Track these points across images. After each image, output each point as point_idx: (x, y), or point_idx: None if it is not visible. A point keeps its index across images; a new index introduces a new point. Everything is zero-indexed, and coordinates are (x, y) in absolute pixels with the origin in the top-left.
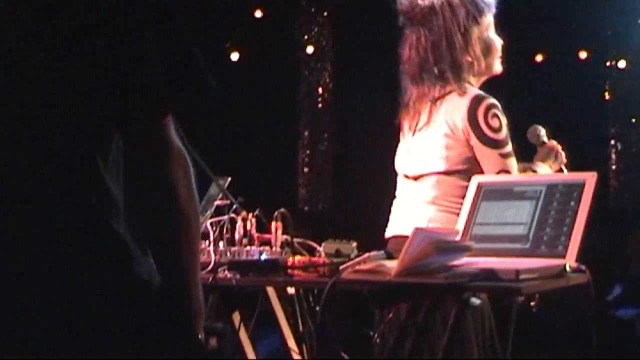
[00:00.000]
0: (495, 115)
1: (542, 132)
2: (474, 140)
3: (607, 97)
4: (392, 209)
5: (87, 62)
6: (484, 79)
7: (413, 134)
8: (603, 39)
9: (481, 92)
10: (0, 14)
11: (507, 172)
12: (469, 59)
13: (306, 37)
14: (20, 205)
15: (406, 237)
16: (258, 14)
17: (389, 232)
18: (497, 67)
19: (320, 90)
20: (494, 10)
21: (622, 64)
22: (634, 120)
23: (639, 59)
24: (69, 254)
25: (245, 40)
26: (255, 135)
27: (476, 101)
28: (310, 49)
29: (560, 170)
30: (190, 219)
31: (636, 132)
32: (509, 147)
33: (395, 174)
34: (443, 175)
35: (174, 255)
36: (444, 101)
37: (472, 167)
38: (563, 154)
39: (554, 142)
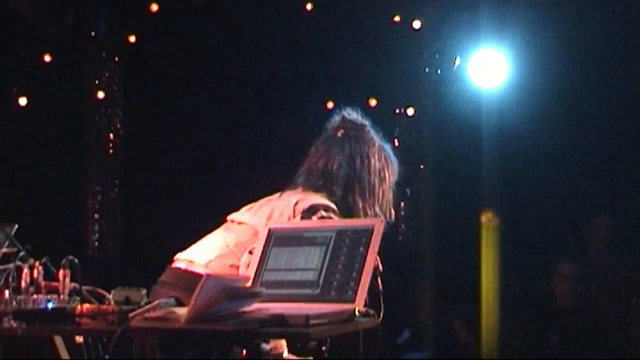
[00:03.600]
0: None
1: None
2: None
3: (396, 143)
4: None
5: None
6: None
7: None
8: (392, 87)
9: (324, 202)
10: None
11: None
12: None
13: (97, 82)
14: None
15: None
16: (47, 58)
17: (179, 260)
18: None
19: (111, 136)
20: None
21: (410, 111)
22: (422, 166)
23: (425, 107)
24: None
25: (33, 85)
26: (44, 182)
27: (308, 213)
28: (100, 95)
29: None
30: None
31: (424, 177)
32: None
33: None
34: None
35: None
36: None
37: None
38: None
39: None
